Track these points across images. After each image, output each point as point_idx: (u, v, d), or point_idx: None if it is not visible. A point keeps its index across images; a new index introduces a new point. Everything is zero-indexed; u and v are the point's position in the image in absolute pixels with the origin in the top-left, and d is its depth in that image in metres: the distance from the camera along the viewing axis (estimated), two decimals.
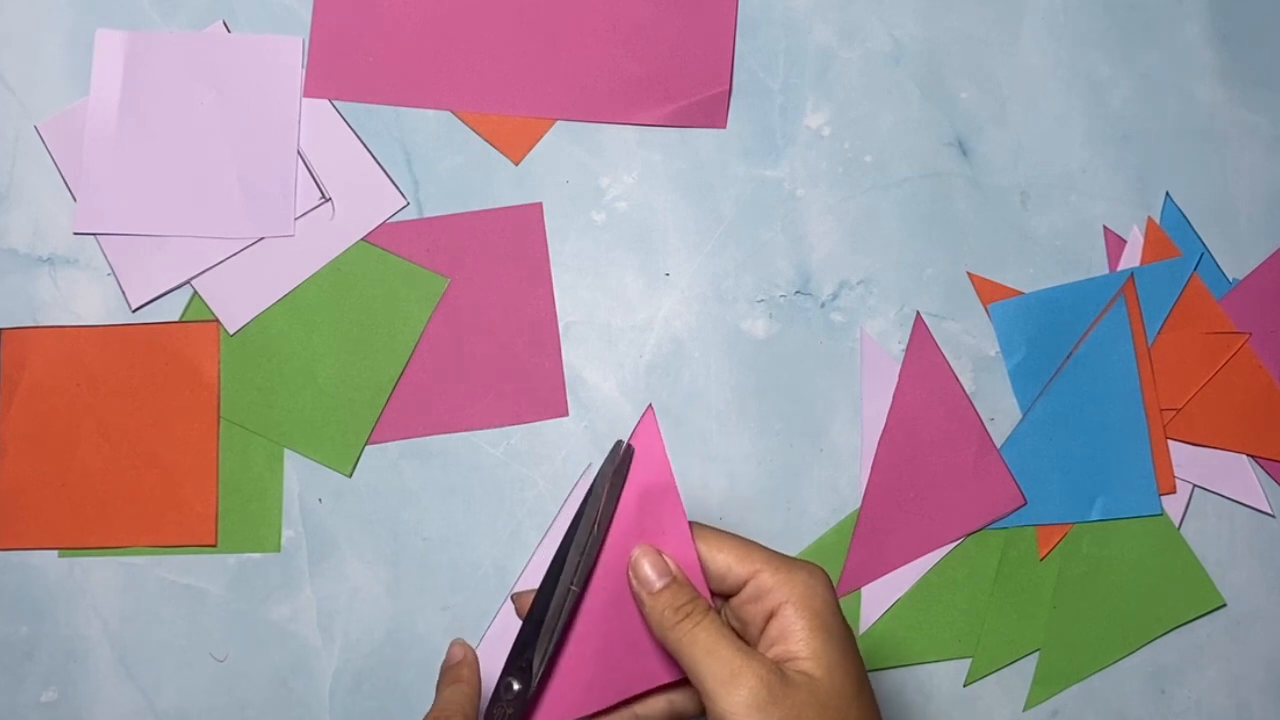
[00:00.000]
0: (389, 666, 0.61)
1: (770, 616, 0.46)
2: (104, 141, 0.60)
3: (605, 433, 0.62)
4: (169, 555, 0.60)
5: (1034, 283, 0.65)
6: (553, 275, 0.63)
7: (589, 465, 0.62)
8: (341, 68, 0.62)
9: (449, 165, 0.62)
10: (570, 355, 0.63)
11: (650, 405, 0.50)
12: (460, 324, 0.62)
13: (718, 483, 0.63)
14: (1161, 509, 0.65)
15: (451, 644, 0.52)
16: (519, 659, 0.47)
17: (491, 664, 0.50)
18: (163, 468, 0.60)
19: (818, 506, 0.64)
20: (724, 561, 0.47)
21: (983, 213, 0.65)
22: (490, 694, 0.48)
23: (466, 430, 0.62)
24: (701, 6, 0.64)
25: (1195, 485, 0.66)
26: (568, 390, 0.62)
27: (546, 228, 0.63)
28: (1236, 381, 0.66)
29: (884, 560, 0.64)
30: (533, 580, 0.54)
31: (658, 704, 0.50)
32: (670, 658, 0.47)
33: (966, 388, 0.65)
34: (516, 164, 0.63)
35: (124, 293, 0.60)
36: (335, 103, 0.62)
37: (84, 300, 0.60)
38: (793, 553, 0.62)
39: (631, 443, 0.48)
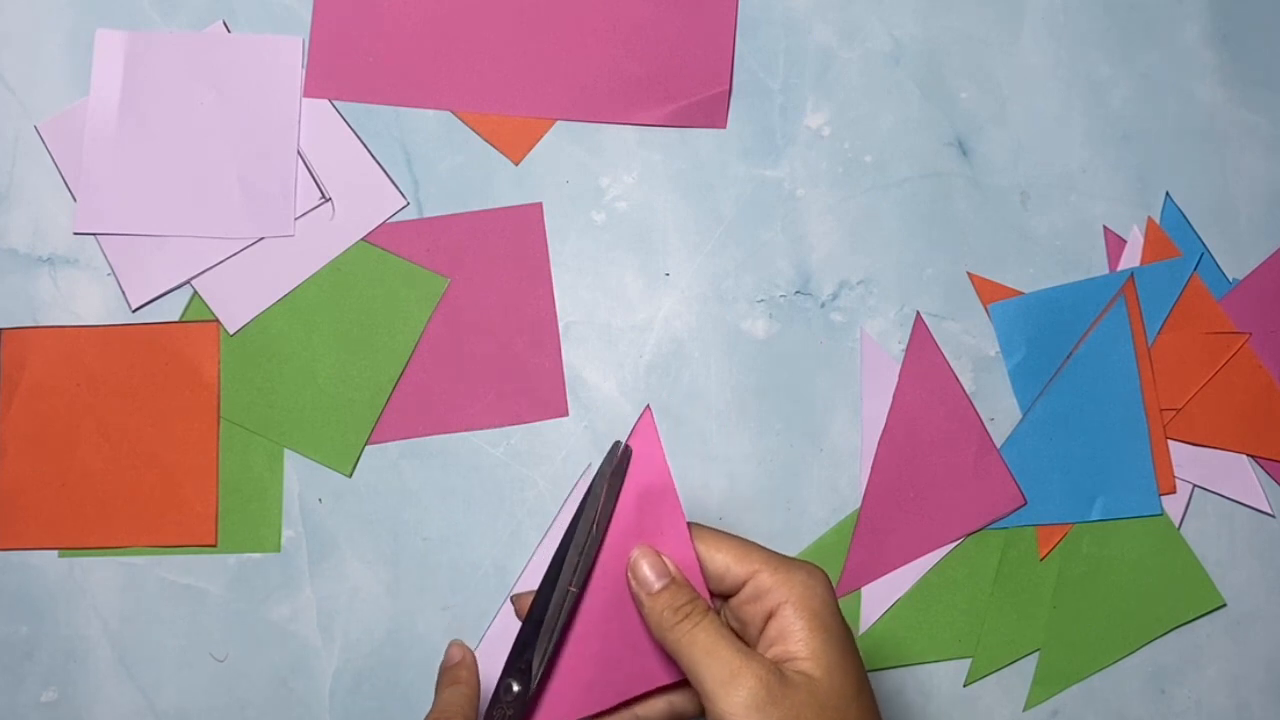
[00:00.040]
0: (389, 666, 0.61)
1: (769, 617, 0.46)
2: (104, 141, 0.60)
3: (605, 433, 0.62)
4: (169, 555, 0.60)
5: (1034, 283, 0.65)
6: (553, 275, 0.63)
7: (589, 465, 0.62)
8: (341, 68, 0.62)
9: (449, 165, 0.62)
10: (570, 355, 0.63)
11: (648, 406, 0.50)
12: (460, 324, 0.62)
13: (718, 483, 0.63)
14: (1161, 509, 0.65)
15: (450, 645, 0.52)
16: (518, 660, 0.47)
17: (491, 665, 0.50)
18: (163, 468, 0.60)
19: (818, 506, 0.64)
20: (722, 562, 0.47)
21: (983, 213, 0.65)
22: (490, 695, 0.48)
23: (466, 430, 0.62)
24: (701, 6, 0.64)
25: (1195, 485, 0.66)
26: (568, 390, 0.62)
27: (546, 228, 0.63)
28: (1236, 381, 0.66)
29: (884, 560, 0.64)
30: (532, 580, 0.54)
31: (658, 705, 0.49)
32: (670, 659, 0.47)
33: (966, 388, 0.65)
34: (516, 164, 0.63)
35: (124, 293, 0.60)
36: (335, 103, 0.62)
37: (84, 300, 0.61)
38: (793, 553, 0.63)
39: (629, 443, 0.48)
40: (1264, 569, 0.66)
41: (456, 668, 0.51)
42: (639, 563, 0.47)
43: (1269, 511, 0.66)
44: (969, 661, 0.64)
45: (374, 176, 0.62)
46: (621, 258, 0.63)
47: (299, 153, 0.62)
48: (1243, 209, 0.67)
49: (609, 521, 0.48)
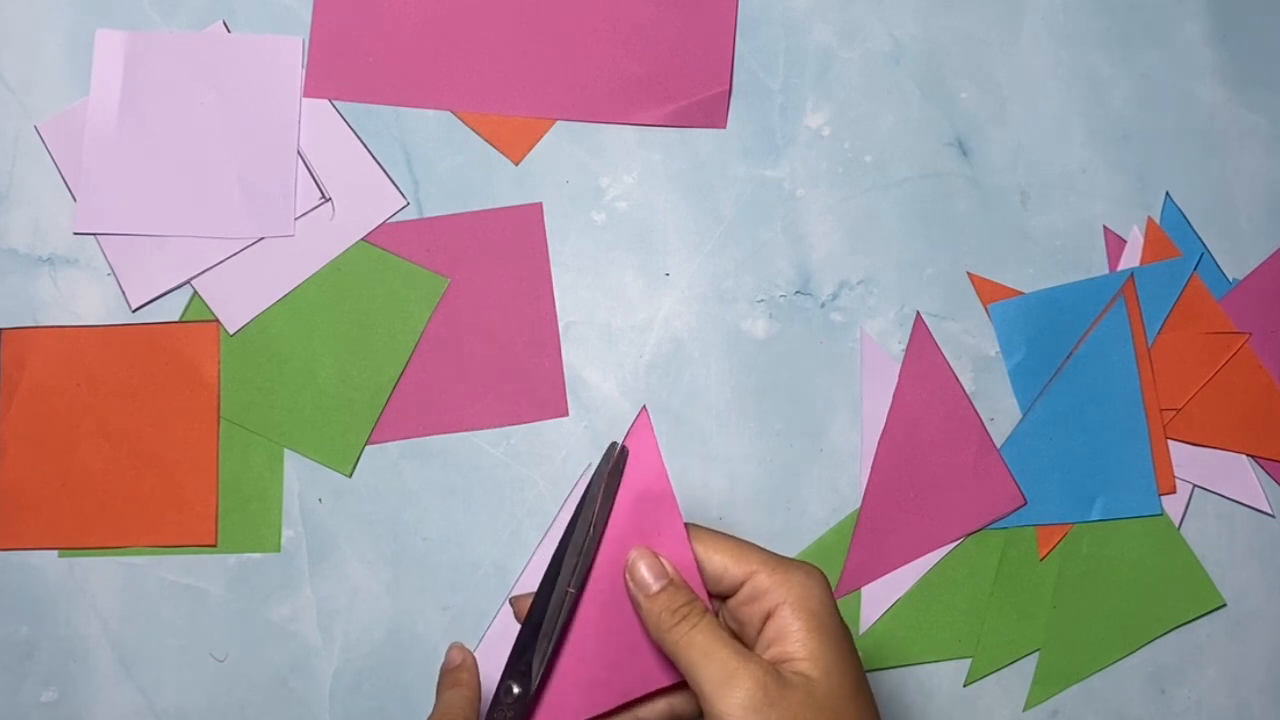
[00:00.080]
0: (389, 666, 0.61)
1: (767, 617, 0.46)
2: (104, 141, 0.61)
3: (605, 433, 0.62)
4: (169, 555, 0.60)
5: (1034, 283, 0.65)
6: (553, 275, 0.63)
7: (589, 465, 0.62)
8: (341, 68, 0.62)
9: (449, 165, 0.62)
10: (570, 355, 0.63)
11: (644, 406, 0.50)
12: (460, 324, 0.62)
13: (717, 483, 0.63)
14: (1161, 509, 0.65)
15: (450, 647, 0.52)
16: (518, 662, 0.47)
17: (491, 665, 0.50)
18: (163, 468, 0.60)
19: (818, 506, 0.64)
20: (720, 563, 0.47)
21: (983, 213, 0.65)
22: (490, 697, 0.48)
23: (466, 430, 0.62)
24: (701, 6, 0.64)
25: (1195, 485, 0.66)
26: (568, 390, 0.62)
27: (546, 228, 0.63)
28: (1236, 381, 0.66)
29: (884, 560, 0.64)
30: (532, 581, 0.54)
31: (658, 706, 0.49)
32: (668, 660, 0.47)
33: (966, 388, 0.64)
34: (516, 164, 0.63)
35: (124, 293, 0.61)
36: (335, 103, 0.62)
37: (84, 300, 0.61)
38: (792, 553, 0.63)
39: (626, 444, 0.48)
40: (1264, 569, 0.66)
41: (457, 670, 0.51)
42: (637, 564, 0.47)
43: (1269, 511, 0.66)
44: (969, 661, 0.64)
45: (374, 176, 0.62)
46: (621, 258, 0.63)
47: (299, 153, 0.62)
48: (1243, 209, 0.67)
49: (606, 523, 0.48)
